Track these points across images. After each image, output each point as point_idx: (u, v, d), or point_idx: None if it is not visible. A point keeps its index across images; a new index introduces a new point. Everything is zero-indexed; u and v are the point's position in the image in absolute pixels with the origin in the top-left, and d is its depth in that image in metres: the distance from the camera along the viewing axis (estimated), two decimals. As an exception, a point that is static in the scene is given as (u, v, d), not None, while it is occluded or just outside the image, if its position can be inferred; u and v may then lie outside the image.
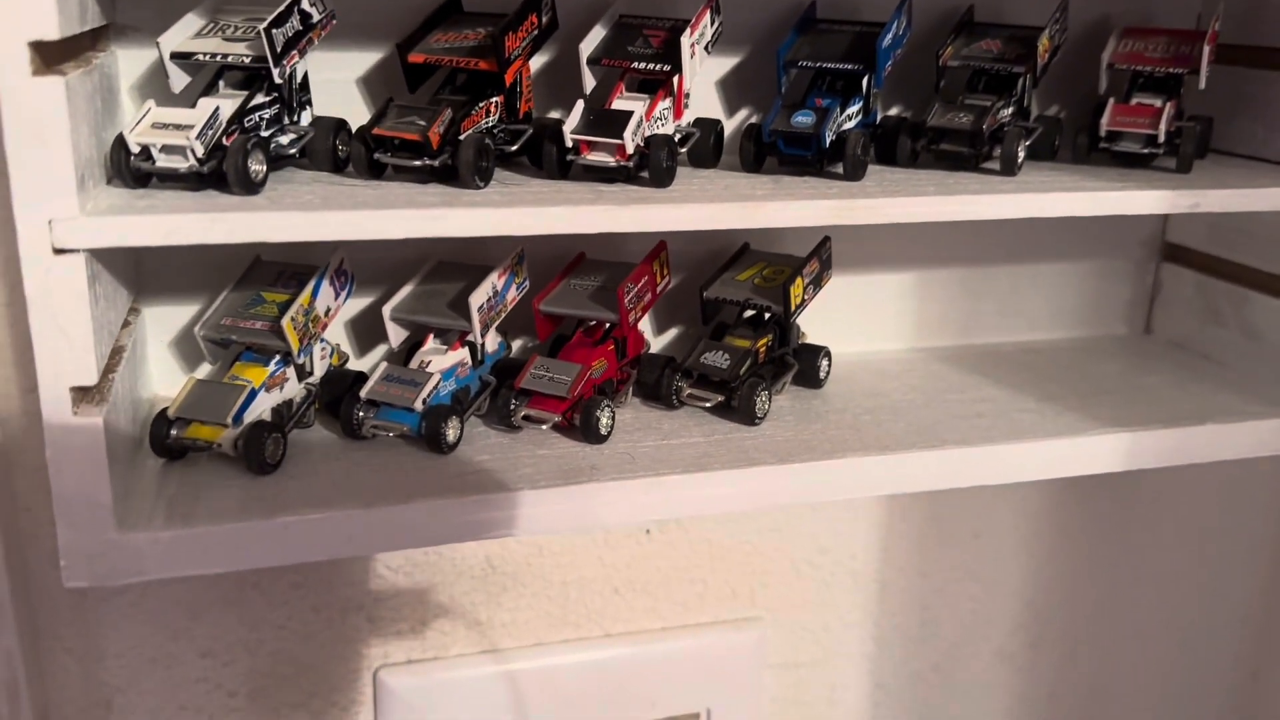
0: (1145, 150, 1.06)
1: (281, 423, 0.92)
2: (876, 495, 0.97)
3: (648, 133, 0.92)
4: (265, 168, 0.83)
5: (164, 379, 1.01)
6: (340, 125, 0.92)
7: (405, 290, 1.00)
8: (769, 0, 1.05)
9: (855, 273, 1.16)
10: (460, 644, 1.19)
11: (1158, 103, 1.07)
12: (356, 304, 1.04)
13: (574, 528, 0.89)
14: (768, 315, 1.06)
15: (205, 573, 0.81)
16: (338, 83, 0.97)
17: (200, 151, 0.80)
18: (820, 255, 1.06)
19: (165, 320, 1.01)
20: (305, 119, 0.92)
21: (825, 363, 1.09)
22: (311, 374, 0.97)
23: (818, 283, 1.06)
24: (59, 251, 0.73)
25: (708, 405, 1.01)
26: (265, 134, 0.88)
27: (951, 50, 1.06)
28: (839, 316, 1.15)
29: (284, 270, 0.97)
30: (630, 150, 0.89)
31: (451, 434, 0.93)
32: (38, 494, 1.01)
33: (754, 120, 1.06)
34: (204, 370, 1.02)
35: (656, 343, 1.14)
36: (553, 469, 0.91)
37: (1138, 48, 1.11)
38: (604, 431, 0.95)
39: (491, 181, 0.89)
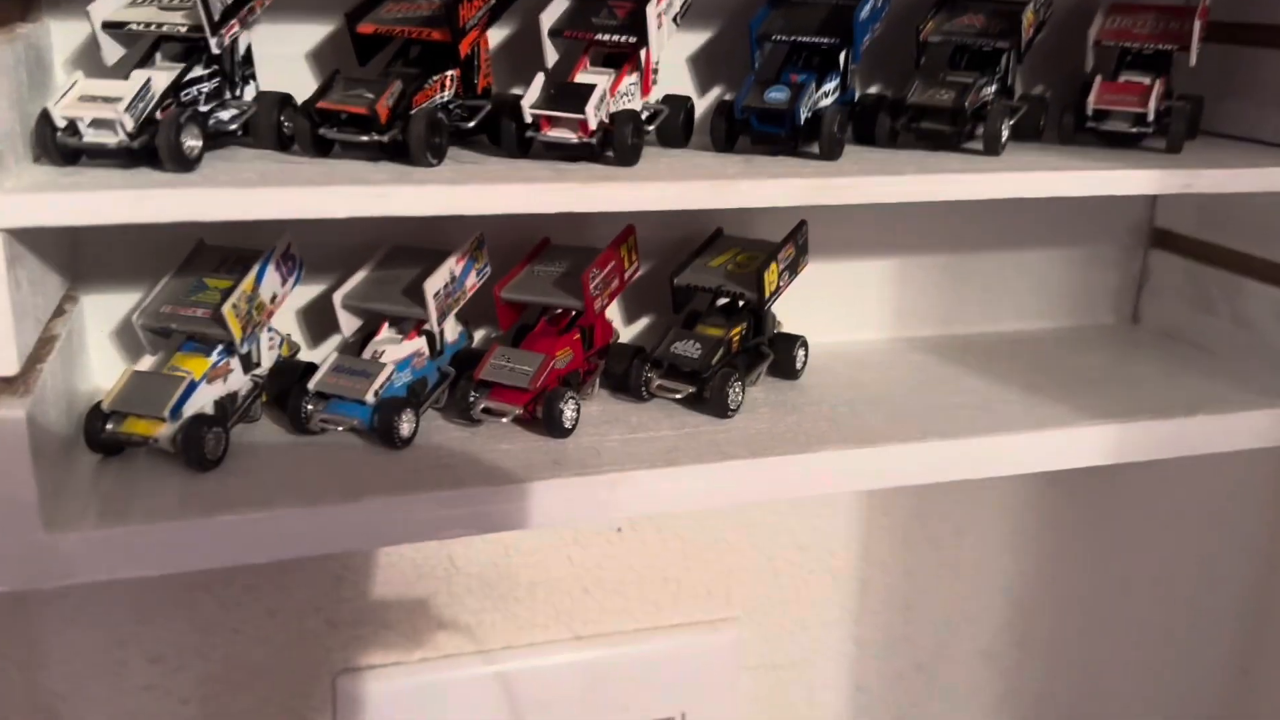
0: (1134, 130, 1.01)
1: (224, 416, 0.87)
2: (855, 490, 0.92)
3: (613, 108, 0.87)
4: (201, 143, 0.77)
5: (105, 371, 0.96)
6: (285, 100, 0.87)
7: (358, 276, 0.95)
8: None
9: (833, 259, 1.12)
10: (424, 648, 1.14)
11: (1146, 80, 1.03)
12: (308, 291, 0.99)
13: (535, 525, 0.84)
14: (741, 303, 1.01)
15: (141, 575, 0.76)
16: (285, 57, 0.92)
17: (130, 126, 0.75)
18: (796, 240, 1.01)
19: (106, 309, 0.95)
20: (249, 94, 0.87)
21: (802, 353, 1.05)
22: (259, 365, 0.92)
23: (793, 269, 1.01)
24: (-26, 231, 0.68)
25: (678, 397, 0.96)
26: (204, 109, 0.82)
27: (932, 25, 1.02)
28: (816, 305, 1.10)
29: (228, 255, 0.92)
30: (593, 126, 0.84)
31: (405, 428, 0.88)
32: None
33: (726, 97, 1.01)
34: (146, 361, 0.97)
35: (626, 332, 1.09)
36: (514, 464, 0.86)
37: (1125, 24, 1.07)
38: (568, 425, 0.90)
39: (446, 159, 0.84)
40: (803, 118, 0.90)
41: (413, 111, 0.82)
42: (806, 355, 1.05)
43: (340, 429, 0.88)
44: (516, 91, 0.96)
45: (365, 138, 0.82)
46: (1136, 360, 1.16)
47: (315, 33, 0.93)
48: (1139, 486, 1.34)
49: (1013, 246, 1.20)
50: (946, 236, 1.17)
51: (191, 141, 0.76)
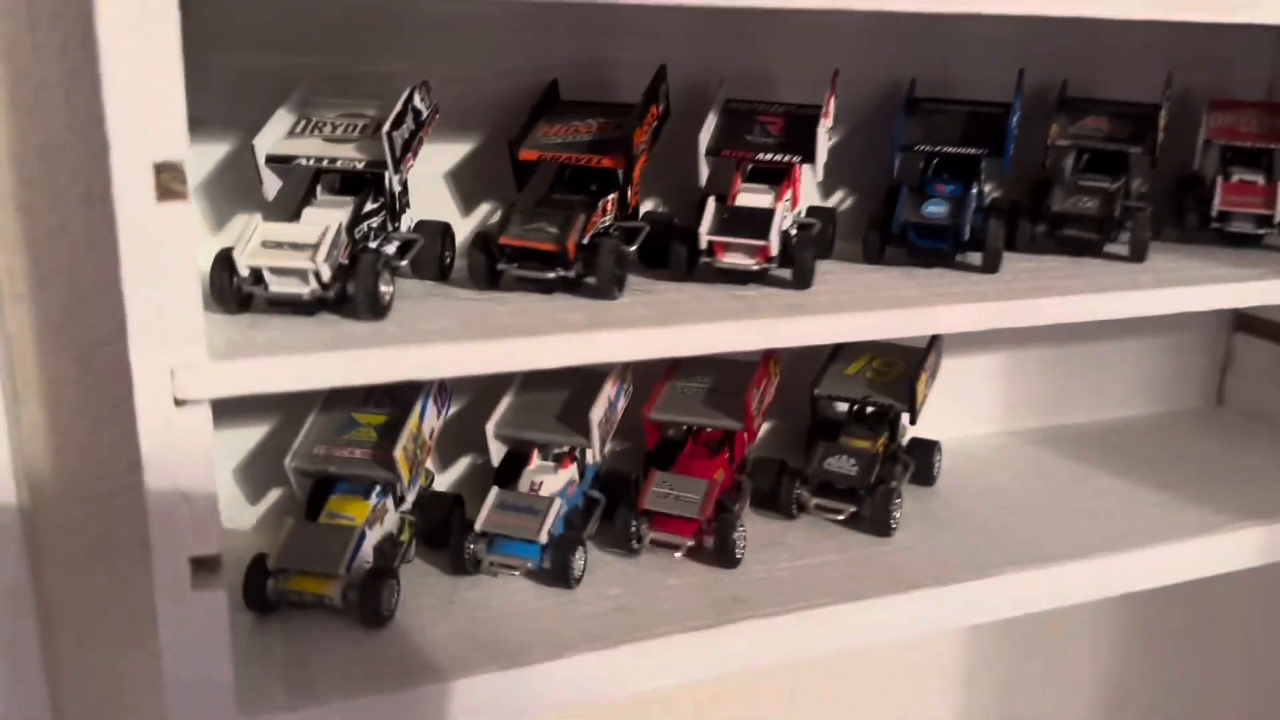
0: (1259, 230, 1.02)
1: (390, 565, 0.81)
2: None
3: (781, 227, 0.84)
4: (393, 289, 0.73)
5: (227, 512, 0.90)
6: (446, 230, 0.82)
7: (504, 403, 0.90)
8: (857, 78, 0.98)
9: (946, 355, 1.10)
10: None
11: (1258, 179, 1.04)
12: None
13: (727, 670, 0.80)
14: (877, 410, 0.99)
15: (341, 761, 0.71)
16: (426, 178, 0.88)
17: (326, 275, 0.70)
18: (937, 348, 1.00)
19: (227, 446, 0.90)
20: (404, 223, 0.83)
21: (938, 458, 1.03)
22: (403, 501, 0.87)
23: (934, 376, 1.00)
24: (180, 403, 0.63)
25: (841, 518, 0.93)
26: (373, 245, 0.78)
27: (1057, 129, 1.01)
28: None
29: (373, 389, 0.87)
30: (774, 252, 0.81)
31: (578, 565, 0.84)
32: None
33: (844, 203, 0.99)
34: (269, 500, 0.92)
35: (748, 441, 1.06)
36: (697, 602, 0.82)
37: (1231, 121, 1.08)
38: (739, 555, 0.87)
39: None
40: (967, 233, 0.89)
41: (595, 243, 0.79)
42: (941, 460, 1.04)
43: (516, 573, 0.84)
44: (648, 206, 0.94)
45: (550, 274, 0.78)
46: (1238, 447, 1.16)
47: (453, 152, 0.89)
48: (1225, 595, 1.31)
49: (1108, 336, 1.20)
50: (1048, 330, 1.16)
51: (385, 288, 0.72)
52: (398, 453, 0.79)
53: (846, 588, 0.85)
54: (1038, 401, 1.19)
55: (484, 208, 0.91)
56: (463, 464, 0.97)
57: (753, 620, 0.80)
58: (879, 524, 0.92)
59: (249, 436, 0.90)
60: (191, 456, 0.63)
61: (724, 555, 0.86)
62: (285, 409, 0.89)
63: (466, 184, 0.90)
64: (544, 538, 0.83)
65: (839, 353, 1.02)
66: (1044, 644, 1.30)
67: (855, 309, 0.79)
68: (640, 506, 0.88)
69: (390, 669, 0.73)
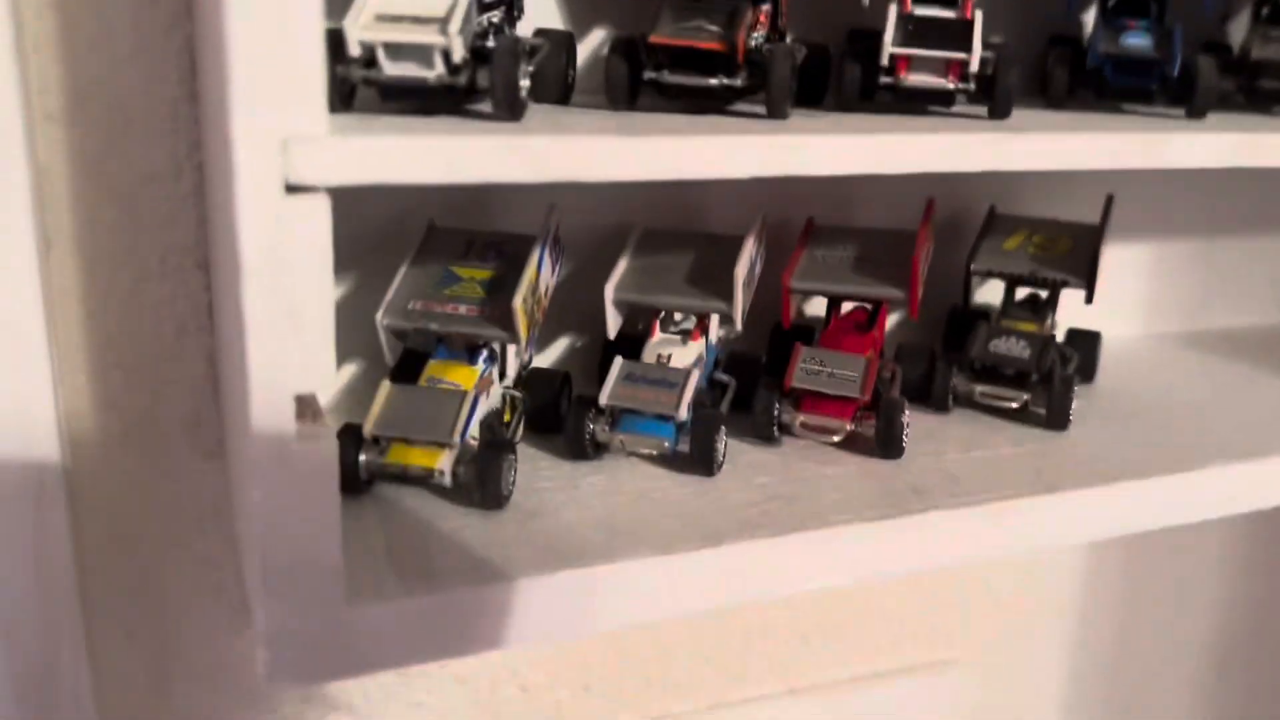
0: None
1: (507, 440, 0.68)
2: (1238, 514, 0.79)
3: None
4: (530, 84, 0.59)
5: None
6: (570, 41, 0.68)
7: (622, 265, 0.77)
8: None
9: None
10: (629, 711, 0.96)
11: None
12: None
13: (906, 570, 0.67)
14: (1044, 295, 0.86)
15: (474, 654, 0.57)
16: (538, -11, 0.74)
17: (460, 54, 0.56)
18: (1108, 219, 0.86)
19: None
20: (519, 30, 0.68)
21: (1100, 351, 0.90)
22: (504, 375, 0.73)
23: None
24: (293, 190, 0.48)
25: (1013, 406, 0.80)
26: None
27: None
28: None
29: (473, 239, 0.73)
30: (975, 67, 0.68)
31: (721, 447, 0.70)
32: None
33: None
34: (343, 375, 0.78)
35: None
36: (867, 492, 0.69)
37: None
38: (905, 442, 0.74)
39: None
40: (1177, 66, 0.75)
41: (765, 48, 0.65)
42: (1101, 353, 0.91)
43: (651, 452, 0.70)
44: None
45: (714, 81, 0.64)
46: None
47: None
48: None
49: (1264, 230, 1.07)
50: (1202, 218, 1.04)
51: (525, 80, 0.58)
52: (517, 303, 0.65)
53: (1038, 480, 0.72)
54: (1187, 302, 1.06)
55: (600, 31, 0.77)
56: (560, 345, 0.84)
57: (938, 511, 0.67)
58: (1056, 416, 0.79)
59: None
60: (303, 262, 0.49)
61: (889, 443, 0.73)
62: (360, 262, 0.74)
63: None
64: (684, 413, 0.69)
65: (991, 226, 0.89)
66: (1167, 563, 1.18)
67: (1071, 129, 0.66)
68: (787, 385, 0.74)
69: (520, 554, 0.60)
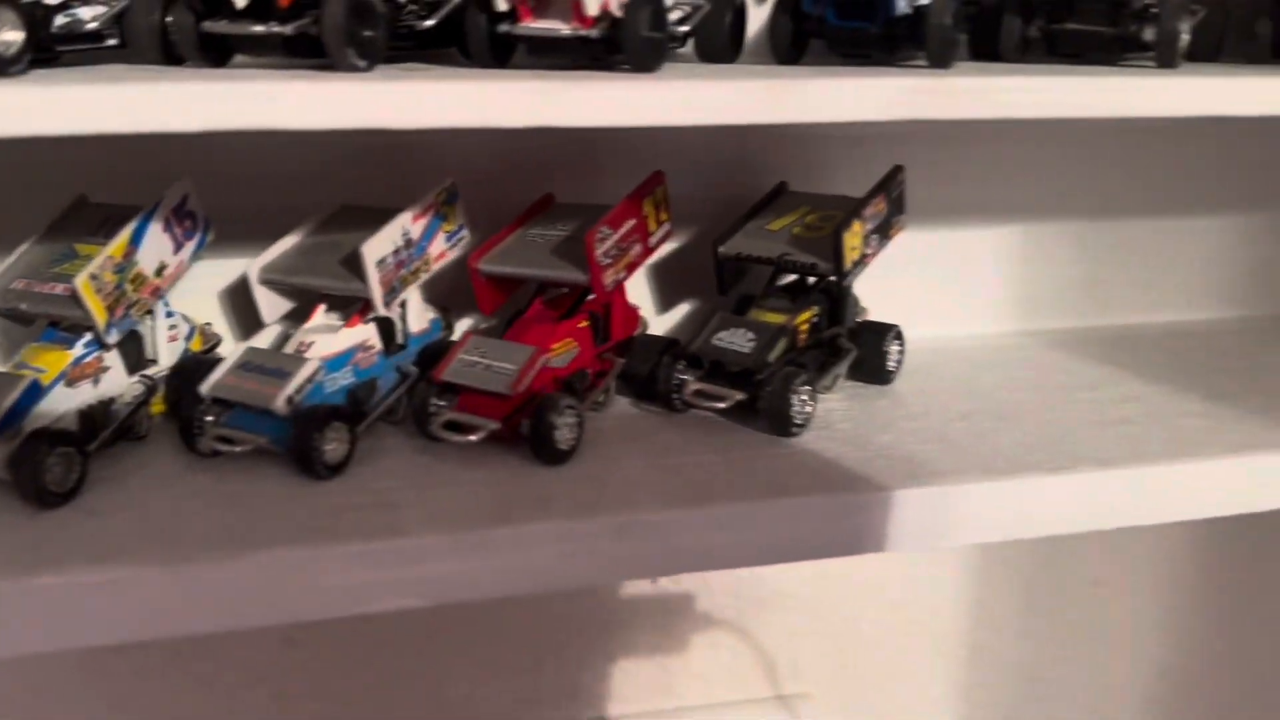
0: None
1: (87, 432, 0.62)
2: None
3: (624, -4, 0.61)
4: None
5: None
6: None
7: (287, 242, 0.70)
8: None
9: (938, 225, 0.84)
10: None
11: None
12: (234, 266, 0.74)
13: (506, 592, 0.58)
14: (812, 280, 0.74)
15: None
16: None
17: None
18: (888, 191, 0.74)
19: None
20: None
21: (895, 347, 0.77)
22: (154, 362, 0.68)
23: (884, 231, 0.74)
24: None
25: (722, 406, 0.69)
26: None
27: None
28: (915, 287, 0.82)
29: (112, 214, 0.67)
30: (594, 11, 0.58)
31: (332, 449, 0.62)
32: None
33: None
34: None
35: (660, 322, 0.83)
36: (481, 504, 0.60)
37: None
38: (564, 446, 0.64)
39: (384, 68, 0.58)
40: (900, 7, 0.63)
41: (330, -7, 0.57)
42: (902, 351, 0.78)
43: (239, 449, 0.63)
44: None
45: (260, 28, 0.56)
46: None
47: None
48: None
49: (1174, 213, 0.91)
50: (1087, 196, 0.89)
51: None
52: (80, 281, 0.60)
53: (690, 496, 0.61)
54: (1071, 296, 0.91)
55: None
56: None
57: (537, 524, 0.58)
58: (776, 418, 0.68)
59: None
60: None
61: (540, 445, 0.64)
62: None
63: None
64: (282, 405, 0.62)
65: (767, 206, 0.77)
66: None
67: (689, 77, 0.55)
68: (437, 378, 0.66)
69: (26, 555, 0.54)
